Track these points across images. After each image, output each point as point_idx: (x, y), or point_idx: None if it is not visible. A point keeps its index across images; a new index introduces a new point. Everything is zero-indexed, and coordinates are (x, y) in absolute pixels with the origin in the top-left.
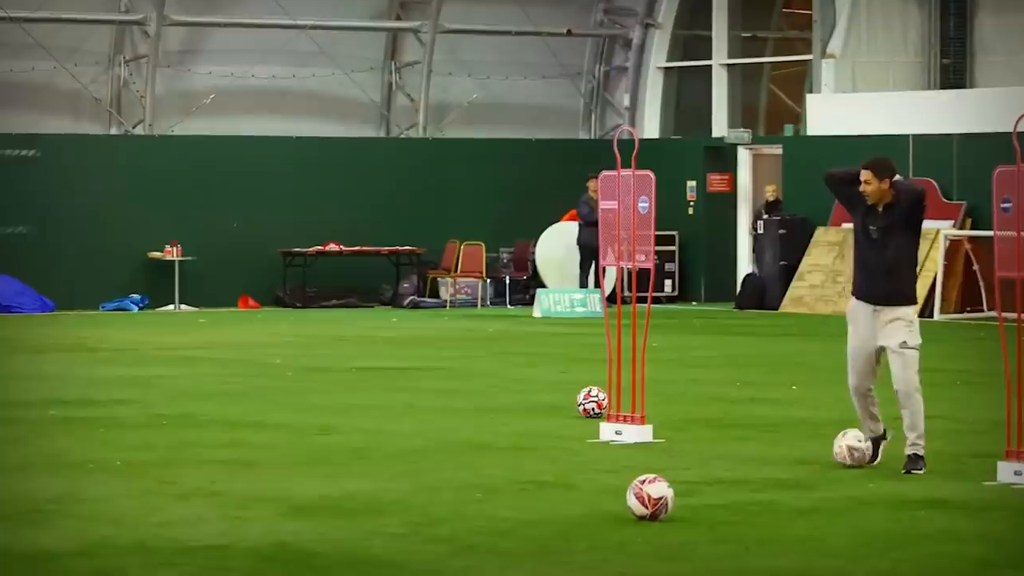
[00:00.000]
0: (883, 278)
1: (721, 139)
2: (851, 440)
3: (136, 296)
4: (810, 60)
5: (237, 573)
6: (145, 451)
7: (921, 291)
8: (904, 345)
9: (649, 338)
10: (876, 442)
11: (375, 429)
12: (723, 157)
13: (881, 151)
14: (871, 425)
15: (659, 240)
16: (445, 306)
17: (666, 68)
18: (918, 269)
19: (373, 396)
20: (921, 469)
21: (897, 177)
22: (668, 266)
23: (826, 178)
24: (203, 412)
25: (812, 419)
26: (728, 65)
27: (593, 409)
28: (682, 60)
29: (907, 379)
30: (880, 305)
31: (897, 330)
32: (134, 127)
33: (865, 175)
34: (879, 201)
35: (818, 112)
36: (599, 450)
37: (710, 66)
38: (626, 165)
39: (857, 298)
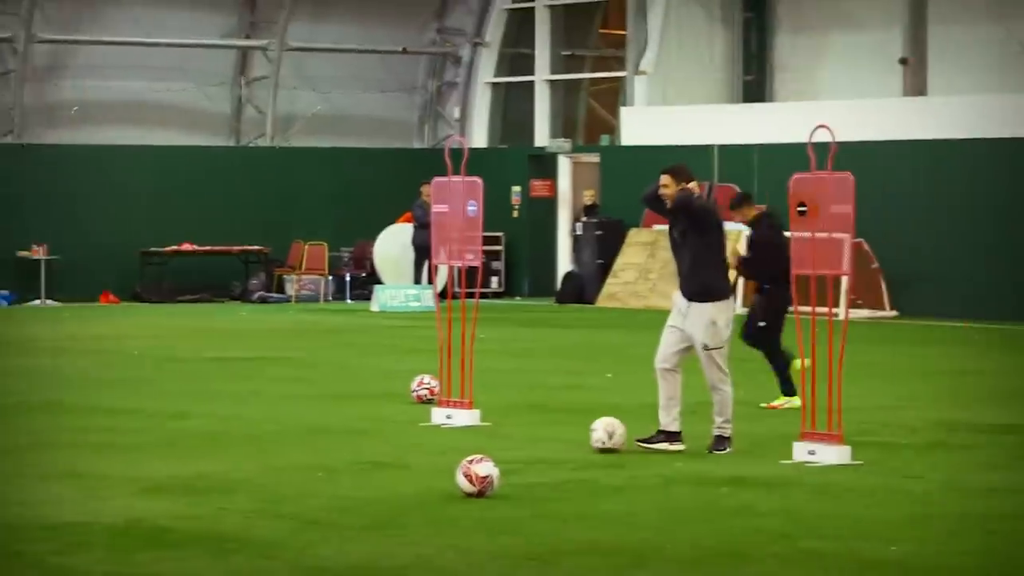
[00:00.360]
0: (688, 277)
1: (543, 148)
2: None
3: (4, 292)
4: (624, 76)
5: (97, 548)
6: (10, 436)
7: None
8: (705, 348)
9: (477, 330)
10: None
11: (226, 415)
12: (545, 165)
13: (688, 160)
14: (663, 415)
15: (486, 240)
16: (290, 301)
17: (493, 83)
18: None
19: (225, 384)
20: (725, 449)
21: (692, 184)
22: (495, 264)
23: (642, 201)
24: (66, 399)
25: (625, 405)
26: (550, 81)
27: (426, 395)
28: (508, 76)
29: (711, 376)
30: (690, 302)
31: (699, 330)
32: (4, 136)
33: (664, 179)
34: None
35: (632, 124)
36: (431, 433)
37: (533, 81)
38: (456, 172)
39: (680, 291)
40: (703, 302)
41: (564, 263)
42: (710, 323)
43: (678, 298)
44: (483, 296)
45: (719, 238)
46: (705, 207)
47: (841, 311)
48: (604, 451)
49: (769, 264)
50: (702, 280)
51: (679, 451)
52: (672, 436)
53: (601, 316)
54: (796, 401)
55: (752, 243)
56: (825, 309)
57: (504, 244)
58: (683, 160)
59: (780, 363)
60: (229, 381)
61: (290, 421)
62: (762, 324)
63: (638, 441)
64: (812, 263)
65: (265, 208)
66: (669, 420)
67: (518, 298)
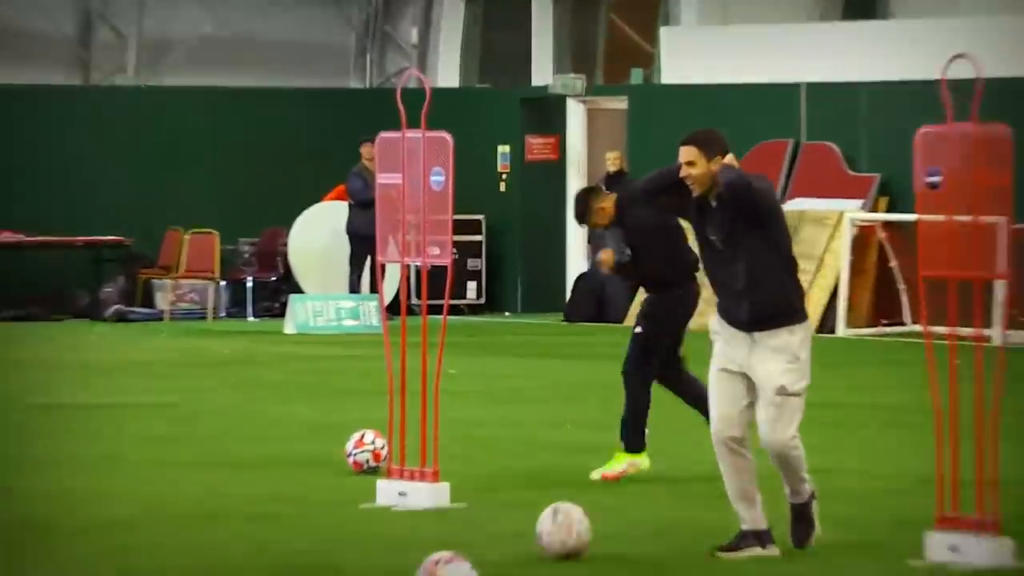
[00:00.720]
0: (745, 295)
1: (544, 89)
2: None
3: None
4: None
5: None
6: None
7: (820, 297)
8: (783, 392)
9: (446, 362)
10: (755, 538)
11: (63, 491)
12: (547, 113)
13: (763, 107)
14: (745, 511)
15: (460, 227)
16: (163, 318)
17: None
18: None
19: (61, 445)
20: (811, 536)
21: (730, 159)
22: (472, 263)
23: (643, 195)
24: None
25: (671, 475)
26: None
27: (367, 461)
28: None
29: (777, 437)
30: (752, 333)
31: (774, 367)
32: None
33: (688, 153)
34: (709, 192)
35: (676, 52)
36: (376, 518)
37: None
38: (414, 124)
39: (723, 318)
40: (775, 327)
41: (575, 261)
42: (792, 357)
43: (723, 328)
44: (454, 311)
45: (785, 231)
46: (766, 187)
47: (996, 332)
48: (566, 557)
49: (659, 255)
50: (771, 295)
51: (775, 556)
52: (763, 537)
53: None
54: (644, 463)
55: (633, 232)
56: (971, 330)
57: (485, 232)
58: (707, 128)
59: (641, 401)
60: (68, 441)
61: (161, 502)
62: (638, 330)
63: (720, 551)
64: (949, 261)
65: (125, 179)
66: (754, 515)
67: (507, 314)
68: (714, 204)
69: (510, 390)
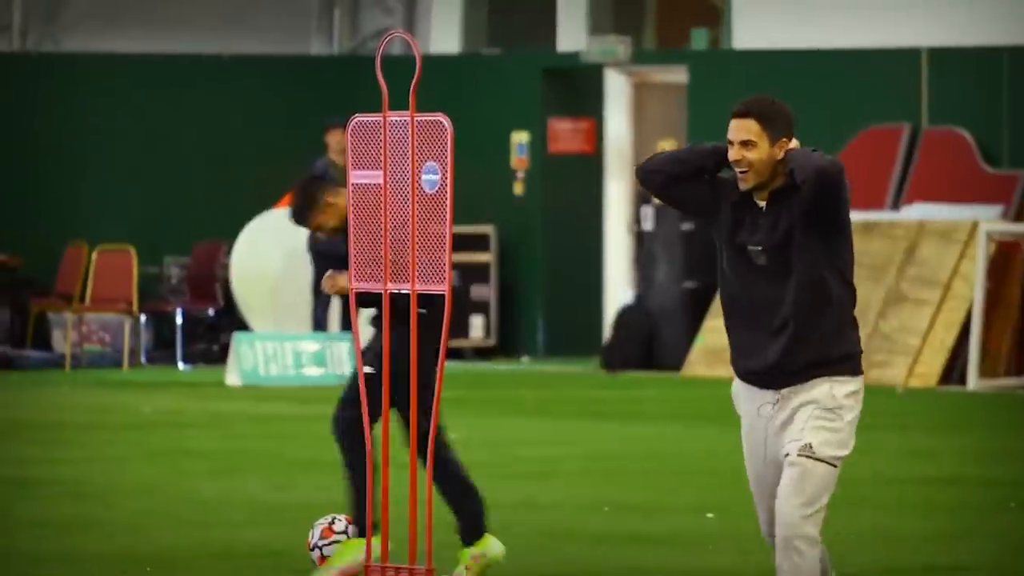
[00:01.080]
0: (782, 332)
1: (575, 56)
2: None
3: None
4: None
5: None
6: None
7: (944, 337)
8: (807, 451)
9: (444, 424)
10: None
11: None
12: (578, 89)
13: (870, 75)
14: None
15: (461, 243)
16: (63, 364)
17: None
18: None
19: None
20: None
21: (794, 144)
22: (478, 291)
23: (656, 179)
24: None
25: (742, 571)
26: None
27: None
28: None
29: (793, 515)
30: (781, 388)
31: (807, 422)
32: None
33: (744, 129)
34: (766, 186)
35: (753, 6)
36: None
37: None
38: (399, 104)
39: (740, 377)
40: (817, 378)
41: (618, 288)
42: (829, 410)
43: (745, 396)
44: (455, 355)
45: (845, 248)
46: (848, 182)
47: None
48: None
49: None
50: (820, 335)
51: None
52: None
53: (692, 395)
54: (495, 548)
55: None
56: None
57: (496, 251)
58: (771, 96)
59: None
60: None
61: None
62: (369, 371)
63: None
64: None
65: (10, 179)
66: None
67: (525, 359)
68: (762, 205)
69: (529, 461)
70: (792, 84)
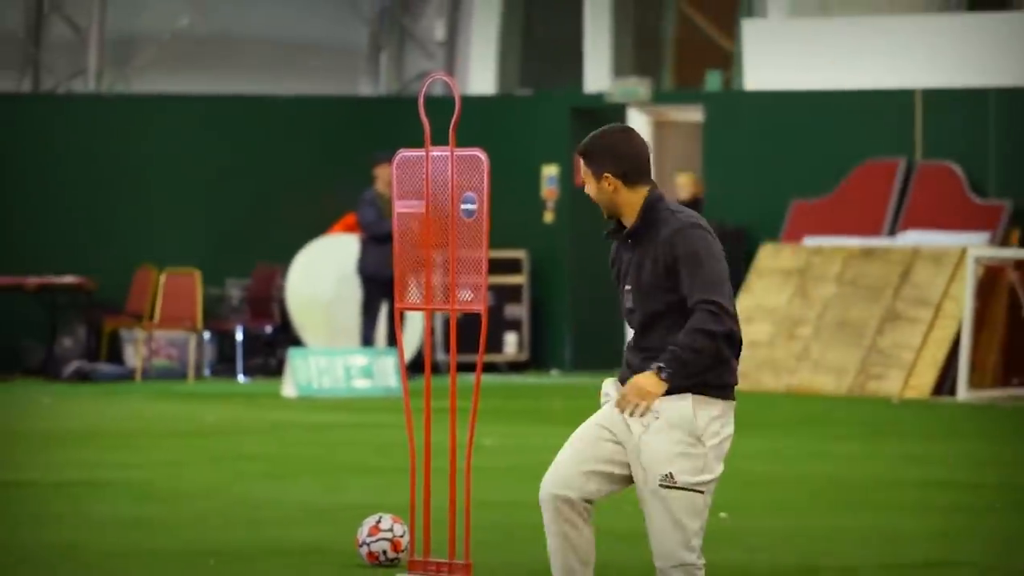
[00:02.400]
0: (638, 350)
1: (600, 96)
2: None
3: None
4: None
5: None
6: None
7: (936, 353)
8: (668, 481)
9: (479, 432)
10: None
11: None
12: (603, 126)
13: (869, 114)
14: None
15: (496, 267)
16: (134, 377)
17: None
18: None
19: (10, 532)
20: None
21: (644, 190)
22: (511, 311)
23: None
24: None
25: (752, 570)
26: None
27: (385, 552)
28: None
29: (669, 547)
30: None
31: (660, 447)
32: None
33: (578, 165)
34: (617, 213)
35: (763, 51)
36: None
37: None
38: (440, 140)
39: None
40: (676, 392)
41: None
42: (687, 434)
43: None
44: (490, 368)
45: (716, 266)
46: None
47: None
48: None
49: None
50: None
51: None
52: None
53: None
54: None
55: None
56: None
57: (529, 272)
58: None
59: None
60: (17, 529)
61: None
62: None
63: None
64: None
65: (85, 207)
66: None
67: (554, 372)
68: (629, 239)
69: None
70: (798, 122)
